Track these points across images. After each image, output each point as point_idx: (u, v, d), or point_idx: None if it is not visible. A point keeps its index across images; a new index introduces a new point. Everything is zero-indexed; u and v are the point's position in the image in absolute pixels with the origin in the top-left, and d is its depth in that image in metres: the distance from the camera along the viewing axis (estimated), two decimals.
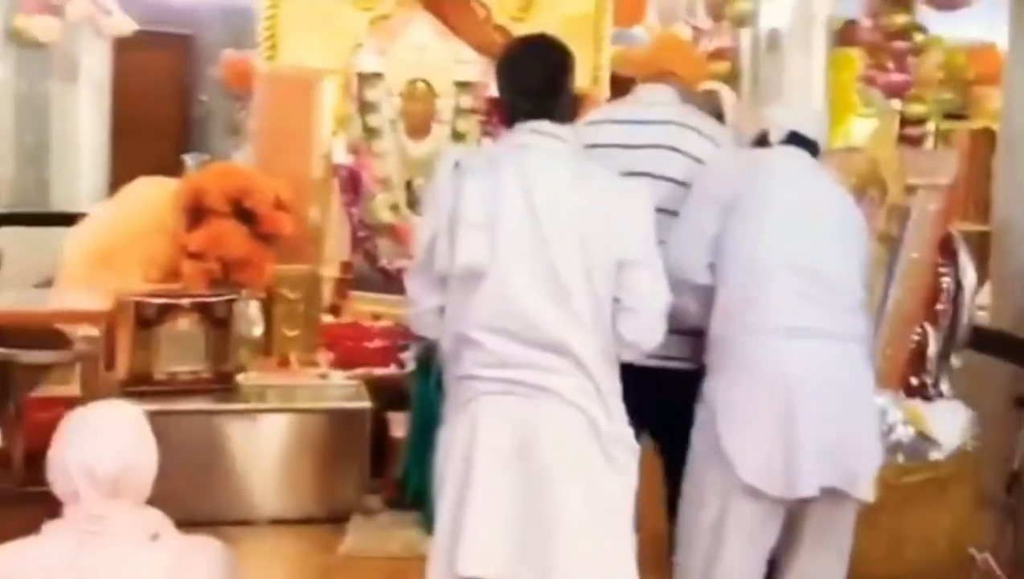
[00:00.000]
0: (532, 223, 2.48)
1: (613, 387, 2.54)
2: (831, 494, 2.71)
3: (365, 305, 5.20)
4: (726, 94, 3.44)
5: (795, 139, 3.03)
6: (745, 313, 2.77)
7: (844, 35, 6.74)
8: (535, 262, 2.47)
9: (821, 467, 2.69)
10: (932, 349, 3.69)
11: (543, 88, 2.60)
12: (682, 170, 2.96)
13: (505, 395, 2.47)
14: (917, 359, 3.70)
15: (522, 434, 2.45)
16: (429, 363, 3.45)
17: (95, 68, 7.72)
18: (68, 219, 5.93)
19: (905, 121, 3.79)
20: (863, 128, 7.58)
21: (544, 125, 2.58)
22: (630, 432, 2.56)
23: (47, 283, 5.71)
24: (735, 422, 2.73)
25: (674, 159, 2.99)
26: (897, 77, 3.79)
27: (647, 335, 2.54)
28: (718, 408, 2.77)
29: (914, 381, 3.69)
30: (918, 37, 3.86)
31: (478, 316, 2.48)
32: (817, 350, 2.77)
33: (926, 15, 4.50)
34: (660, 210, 2.77)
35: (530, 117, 2.59)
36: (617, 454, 2.51)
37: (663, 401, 2.90)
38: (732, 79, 7.40)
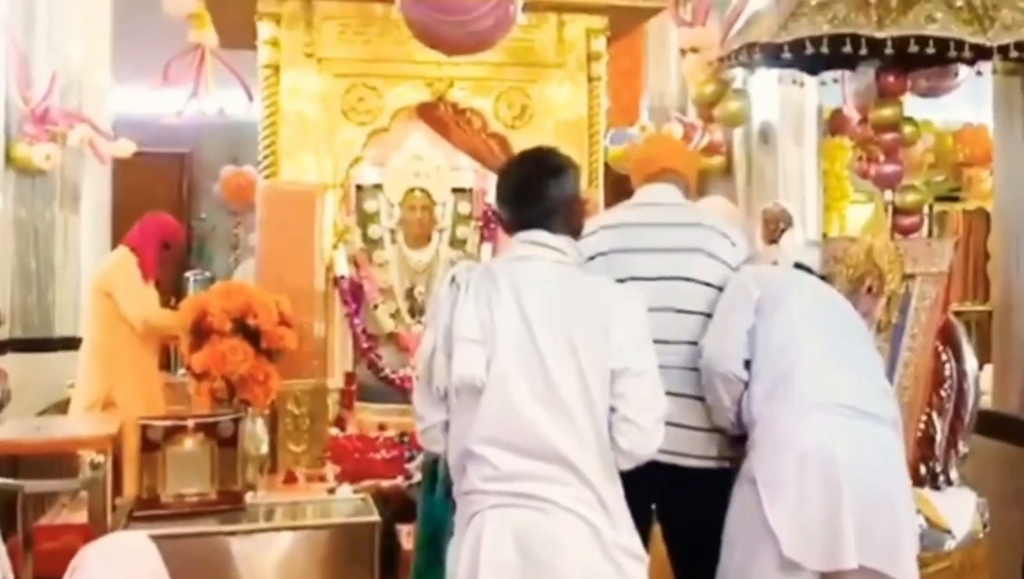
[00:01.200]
0: (527, 336, 2.50)
1: (616, 496, 2.54)
2: (869, 574, 2.71)
3: (371, 415, 5.22)
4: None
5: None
6: (787, 392, 2.83)
7: (833, 124, 6.85)
8: (532, 375, 2.49)
9: (863, 543, 2.70)
10: (939, 437, 3.70)
11: (536, 200, 2.65)
12: (716, 274, 3.06)
13: (508, 508, 2.47)
14: (924, 447, 3.71)
15: (527, 547, 2.44)
16: (435, 473, 3.43)
17: (96, 191, 7.82)
18: (72, 344, 5.96)
19: (898, 210, 3.83)
20: (858, 214, 7.67)
21: (539, 236, 2.62)
22: (637, 541, 2.55)
23: (52, 409, 5.74)
24: (779, 496, 2.75)
25: (709, 264, 3.08)
26: (888, 169, 3.83)
27: (643, 445, 2.55)
28: (761, 483, 2.78)
29: (923, 470, 3.68)
30: (907, 129, 3.93)
31: (480, 430, 2.49)
32: (859, 428, 2.81)
33: (912, 99, 4.58)
34: (698, 313, 2.86)
35: (525, 228, 2.64)
36: (624, 564, 2.50)
37: (676, 497, 2.90)
38: (726, 173, 7.52)
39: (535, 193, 2.66)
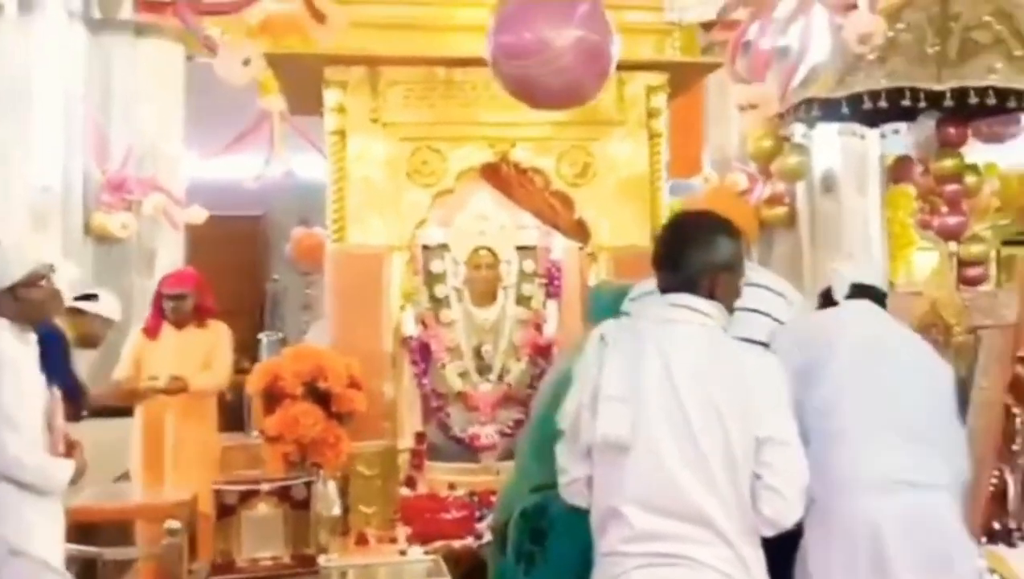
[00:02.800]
0: (674, 398, 2.53)
1: (756, 559, 2.55)
2: None
3: (441, 475, 5.25)
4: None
5: (858, 290, 3.10)
6: (831, 473, 2.79)
7: (897, 172, 6.79)
8: (679, 437, 2.52)
9: None
10: (1011, 492, 3.64)
11: (676, 266, 2.68)
12: (768, 334, 3.04)
13: (653, 567, 2.50)
14: (997, 503, 3.64)
15: None
16: (505, 535, 3.45)
17: (170, 257, 8.02)
18: None
19: (963, 262, 3.80)
20: (927, 260, 7.58)
21: (686, 299, 2.65)
22: None
23: (126, 476, 5.88)
24: None
25: (763, 323, 3.06)
26: (952, 220, 3.82)
27: (787, 513, 2.56)
28: (811, 570, 2.76)
29: (996, 526, 3.62)
30: (970, 178, 3.90)
31: (626, 490, 2.53)
32: (906, 501, 2.77)
33: (975, 145, 4.55)
34: None
35: (673, 290, 2.67)
36: None
37: None
38: (790, 223, 7.50)
39: (676, 259, 2.70)
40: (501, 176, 5.56)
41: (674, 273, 2.70)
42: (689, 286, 2.67)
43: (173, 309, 6.18)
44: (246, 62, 4.29)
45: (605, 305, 3.40)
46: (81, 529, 4.35)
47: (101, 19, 7.97)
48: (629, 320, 2.84)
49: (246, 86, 6.82)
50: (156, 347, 6.15)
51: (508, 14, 4.13)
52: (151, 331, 6.20)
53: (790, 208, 7.47)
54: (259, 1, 4.39)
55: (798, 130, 5.93)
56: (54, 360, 4.50)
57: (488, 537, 4.25)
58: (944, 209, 3.83)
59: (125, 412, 6.16)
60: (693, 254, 2.69)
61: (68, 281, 4.83)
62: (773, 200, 7.29)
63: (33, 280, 3.78)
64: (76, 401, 5.22)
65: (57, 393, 3.83)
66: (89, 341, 5.94)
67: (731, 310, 2.77)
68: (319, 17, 4.49)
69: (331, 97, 5.29)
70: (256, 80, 4.60)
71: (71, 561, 3.86)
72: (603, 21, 4.11)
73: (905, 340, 3.07)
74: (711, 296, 2.67)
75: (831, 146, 6.86)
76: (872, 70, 3.85)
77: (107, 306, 5.97)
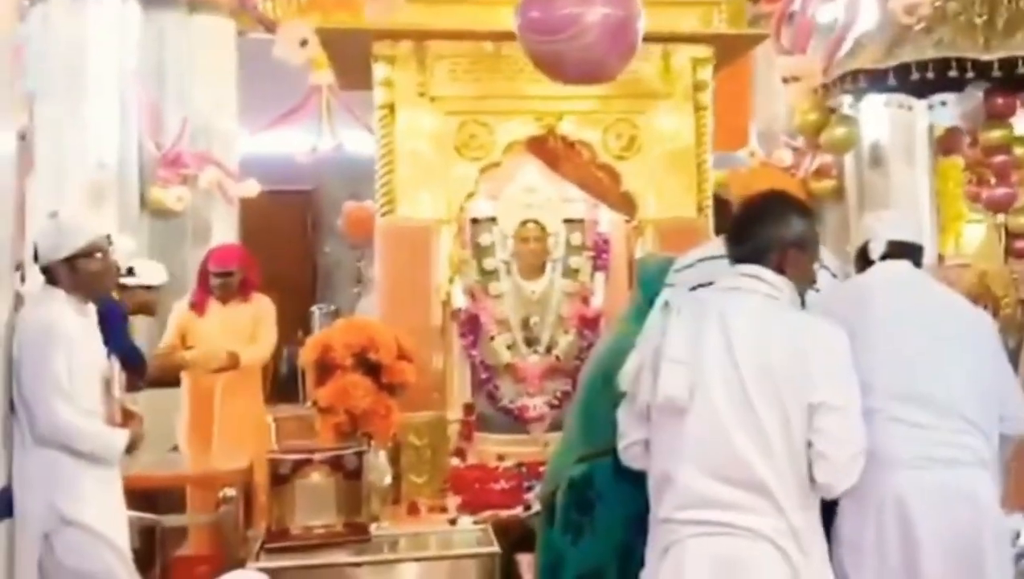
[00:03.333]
0: (731, 365, 2.58)
1: (811, 527, 2.59)
2: None
3: (490, 446, 5.32)
4: None
5: (896, 248, 3.09)
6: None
7: (946, 143, 6.72)
8: (736, 403, 2.57)
9: None
10: None
11: (745, 239, 2.72)
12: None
13: (708, 537, 2.54)
14: None
15: (725, 575, 2.49)
16: (553, 505, 3.50)
17: (224, 230, 8.15)
18: None
19: (1012, 233, 3.78)
20: (974, 234, 7.51)
21: (754, 269, 2.69)
22: (829, 572, 2.59)
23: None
24: (861, 559, 2.75)
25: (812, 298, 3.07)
26: (1000, 192, 3.80)
27: (839, 478, 2.60)
28: (844, 545, 2.79)
29: None
30: (1019, 150, 3.88)
31: (682, 453, 2.58)
32: (936, 480, 2.78)
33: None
34: None
35: (742, 262, 2.71)
36: None
37: None
38: (838, 196, 7.44)
39: (746, 233, 2.75)
40: (548, 149, 5.58)
41: (743, 245, 2.74)
42: (758, 258, 2.72)
43: (220, 285, 6.30)
44: (303, 43, 4.34)
45: (652, 276, 3.42)
46: (139, 496, 4.47)
47: None
48: (693, 291, 2.86)
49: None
50: (203, 322, 6.28)
51: None
52: (198, 306, 6.32)
53: (838, 181, 7.43)
54: None
55: (845, 102, 5.89)
56: (114, 332, 4.62)
57: (536, 507, 4.32)
58: (992, 181, 3.81)
59: (177, 383, 6.29)
60: (764, 228, 2.74)
61: (124, 253, 4.95)
62: (821, 173, 7.25)
63: (90, 251, 3.86)
64: (136, 370, 5.36)
65: (116, 364, 3.93)
66: (145, 309, 6.07)
67: (803, 292, 2.79)
68: None
69: (380, 71, 5.34)
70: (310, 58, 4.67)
71: (130, 528, 3.96)
72: None
73: (942, 308, 3.04)
74: (780, 271, 2.71)
75: (879, 118, 6.80)
76: (919, 40, 3.83)
77: (149, 274, 6.09)
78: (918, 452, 2.80)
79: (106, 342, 4.03)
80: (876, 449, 2.73)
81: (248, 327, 6.33)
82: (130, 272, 5.95)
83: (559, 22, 4.06)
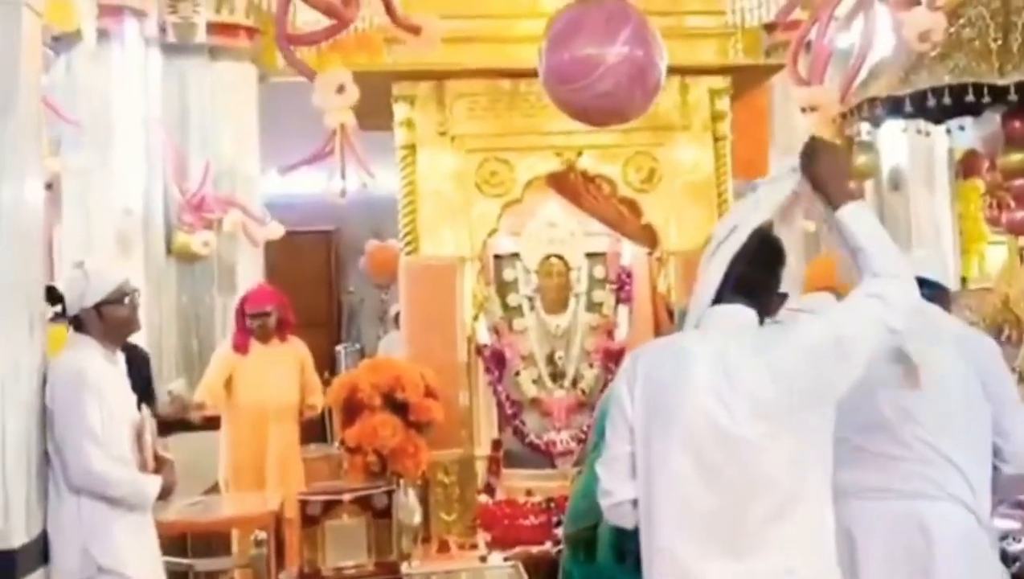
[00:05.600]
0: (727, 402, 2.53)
1: None
2: None
3: (518, 481, 5.33)
4: None
5: (922, 285, 3.09)
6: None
7: (965, 166, 6.74)
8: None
9: None
10: None
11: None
12: None
13: None
14: None
15: None
16: (586, 539, 3.50)
17: (249, 272, 8.21)
18: None
19: None
20: (998, 255, 7.49)
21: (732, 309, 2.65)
22: None
23: (214, 489, 6.05)
24: None
25: None
26: (1020, 215, 3.79)
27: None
28: None
29: None
30: None
31: None
32: (886, 510, 2.79)
33: None
34: None
35: (719, 303, 2.68)
36: None
37: None
38: None
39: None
40: (568, 184, 5.62)
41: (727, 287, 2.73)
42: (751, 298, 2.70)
43: (259, 326, 6.41)
44: (340, 89, 4.39)
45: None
46: (172, 541, 4.50)
47: (176, 44, 8.19)
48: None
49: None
50: (247, 362, 6.36)
51: (555, 35, 4.20)
52: (241, 347, 6.41)
53: None
54: (350, 26, 4.45)
55: (863, 129, 5.92)
56: (141, 376, 4.66)
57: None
58: (1012, 204, 3.82)
59: (212, 425, 6.33)
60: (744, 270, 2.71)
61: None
62: None
63: (117, 298, 3.92)
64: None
65: (147, 410, 3.97)
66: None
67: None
68: (414, 30, 4.58)
69: (400, 112, 5.43)
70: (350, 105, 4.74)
71: (164, 573, 3.98)
72: (649, 37, 4.14)
73: (935, 351, 3.01)
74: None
75: (897, 143, 6.82)
76: (935, 67, 3.85)
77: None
78: (879, 483, 2.81)
79: (135, 387, 4.07)
80: (838, 478, 2.72)
81: (291, 366, 6.47)
82: None
83: (581, 66, 4.10)
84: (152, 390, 5.77)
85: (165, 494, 3.88)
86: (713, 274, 2.53)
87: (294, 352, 6.54)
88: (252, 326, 6.41)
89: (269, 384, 6.27)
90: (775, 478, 2.44)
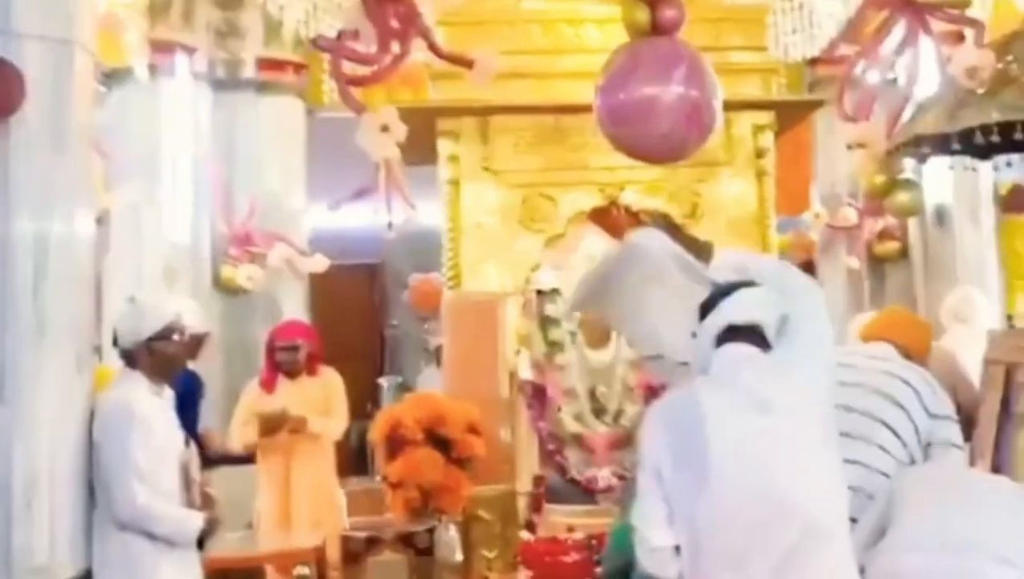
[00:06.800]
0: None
1: None
2: None
3: (559, 518, 5.28)
4: None
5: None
6: None
7: (1011, 201, 6.67)
8: None
9: None
10: None
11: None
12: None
13: None
14: None
15: None
16: (626, 573, 3.47)
17: (294, 306, 8.26)
18: None
19: None
20: None
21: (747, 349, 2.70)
22: None
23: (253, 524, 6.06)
24: None
25: None
26: None
27: None
28: None
29: None
30: None
31: None
32: None
33: None
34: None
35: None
36: None
37: None
38: (902, 257, 7.40)
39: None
40: (611, 219, 5.62)
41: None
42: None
43: (287, 360, 6.36)
44: (384, 128, 4.44)
45: None
46: (214, 577, 4.51)
47: (225, 79, 8.31)
48: None
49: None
50: (272, 400, 6.30)
51: (610, 77, 4.22)
52: (268, 384, 6.37)
53: (902, 241, 7.39)
54: (404, 62, 4.51)
55: (908, 165, 5.89)
56: (190, 410, 4.68)
57: None
58: None
59: (250, 460, 6.35)
60: None
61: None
62: (885, 235, 7.23)
63: (168, 333, 3.96)
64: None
65: (193, 447, 3.99)
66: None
67: None
68: (466, 64, 4.64)
69: (444, 147, 5.46)
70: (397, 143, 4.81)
71: None
72: (704, 76, 4.15)
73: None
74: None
75: (943, 179, 6.78)
76: (983, 104, 3.82)
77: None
78: None
79: (182, 422, 4.10)
80: None
81: (319, 401, 6.37)
82: None
83: (638, 108, 4.12)
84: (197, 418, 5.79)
85: (210, 532, 3.89)
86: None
87: (323, 384, 6.44)
88: (280, 360, 6.36)
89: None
90: (807, 508, 2.47)
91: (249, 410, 6.31)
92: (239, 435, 6.28)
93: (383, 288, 11.42)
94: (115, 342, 3.94)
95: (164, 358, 3.95)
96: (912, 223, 7.34)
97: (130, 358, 3.92)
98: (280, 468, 6.23)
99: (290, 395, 6.33)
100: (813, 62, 7.54)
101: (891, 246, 7.37)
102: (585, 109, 4.65)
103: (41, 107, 3.57)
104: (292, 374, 6.38)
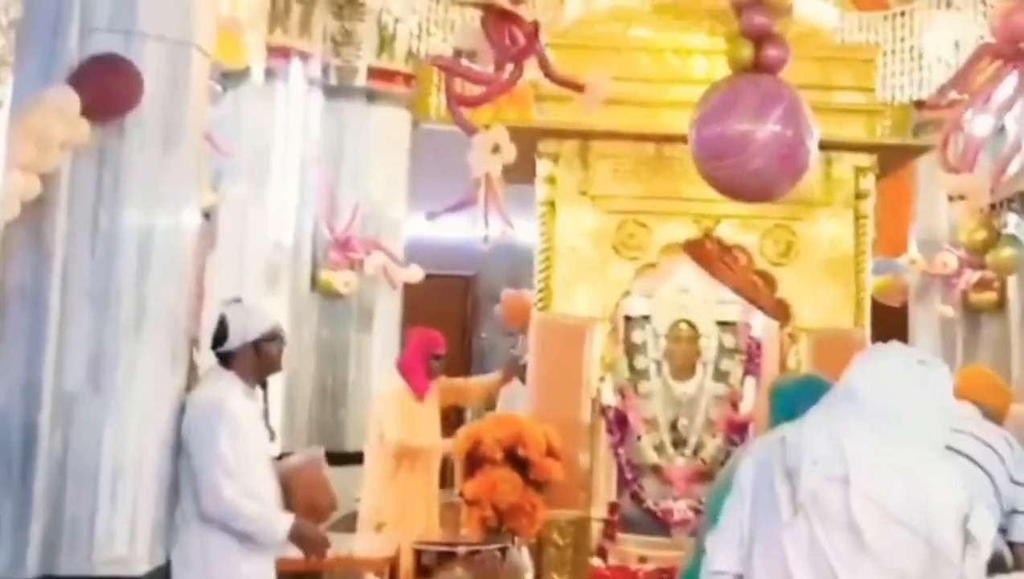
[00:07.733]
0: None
1: None
2: None
3: (632, 547, 5.30)
4: None
5: None
6: None
7: None
8: None
9: None
10: None
11: None
12: None
13: None
14: None
15: None
16: None
17: (387, 313, 8.40)
18: (360, 458, 6.41)
19: None
20: None
21: None
22: None
23: (341, 522, 6.14)
24: None
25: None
26: None
27: None
28: None
29: None
30: None
31: None
32: None
33: None
34: None
35: None
36: None
37: None
38: (999, 307, 7.23)
39: None
40: (704, 252, 5.62)
41: None
42: None
43: (439, 368, 6.41)
44: (495, 149, 4.52)
45: (789, 396, 3.37)
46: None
47: (337, 86, 8.49)
48: None
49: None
50: (423, 407, 6.33)
51: (708, 110, 4.23)
52: (421, 390, 6.33)
53: (1000, 293, 7.23)
54: (515, 85, 4.59)
55: (1011, 220, 5.78)
56: None
57: None
58: None
59: (340, 460, 6.42)
60: None
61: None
62: (982, 284, 7.08)
63: (273, 336, 4.06)
64: None
65: (319, 449, 4.05)
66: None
67: None
68: (577, 87, 4.70)
69: (543, 168, 5.52)
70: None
71: None
72: (801, 117, 4.13)
73: None
74: None
75: None
76: None
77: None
78: None
79: None
80: None
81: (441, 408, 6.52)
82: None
83: (732, 143, 4.12)
84: None
85: (294, 536, 3.91)
86: None
87: (438, 393, 6.51)
88: (434, 367, 6.36)
89: (436, 427, 6.32)
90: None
91: (403, 416, 6.23)
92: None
93: (476, 300, 11.51)
94: (215, 342, 4.01)
95: (269, 360, 4.05)
96: (1012, 282, 7.17)
97: (229, 358, 4.00)
98: (386, 473, 6.20)
99: (432, 404, 6.40)
100: (920, 105, 7.42)
101: (988, 297, 7.21)
102: (685, 139, 4.65)
103: (156, 106, 3.67)
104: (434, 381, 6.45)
